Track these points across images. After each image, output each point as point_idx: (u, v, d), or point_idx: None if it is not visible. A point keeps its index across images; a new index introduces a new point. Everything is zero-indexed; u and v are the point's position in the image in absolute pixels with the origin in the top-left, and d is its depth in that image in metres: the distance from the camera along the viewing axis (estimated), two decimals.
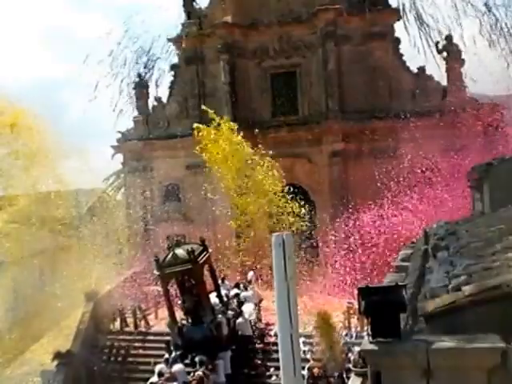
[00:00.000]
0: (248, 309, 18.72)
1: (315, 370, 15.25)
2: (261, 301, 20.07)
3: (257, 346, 18.84)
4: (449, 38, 26.64)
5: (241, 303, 18.91)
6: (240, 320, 18.21)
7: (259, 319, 19.60)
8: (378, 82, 26.36)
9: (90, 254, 22.84)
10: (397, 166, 23.90)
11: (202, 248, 17.95)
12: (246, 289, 20.08)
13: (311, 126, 27.09)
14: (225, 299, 18.86)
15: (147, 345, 20.16)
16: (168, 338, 17.75)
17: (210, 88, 28.81)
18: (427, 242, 9.70)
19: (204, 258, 17.69)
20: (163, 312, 19.81)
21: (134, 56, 31.72)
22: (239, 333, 18.21)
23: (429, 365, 5.15)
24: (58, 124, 24.77)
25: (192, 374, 15.43)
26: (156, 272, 17.47)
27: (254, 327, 18.92)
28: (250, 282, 20.89)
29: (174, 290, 18.58)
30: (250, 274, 21.53)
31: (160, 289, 18.80)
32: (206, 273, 18.49)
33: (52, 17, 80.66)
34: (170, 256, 17.15)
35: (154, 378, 15.76)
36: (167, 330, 18.23)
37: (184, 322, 17.62)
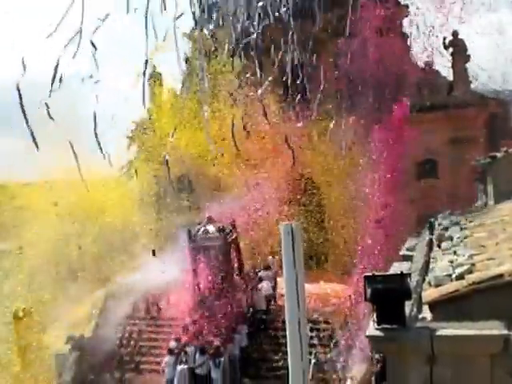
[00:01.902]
0: (265, 286, 19.66)
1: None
2: (275, 282, 20.75)
3: (269, 326, 19.43)
4: (455, 33, 26.61)
5: (259, 281, 19.93)
6: (257, 296, 19.27)
7: (274, 298, 20.21)
8: (386, 77, 26.40)
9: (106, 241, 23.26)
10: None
11: (231, 228, 19.02)
12: (265, 269, 20.95)
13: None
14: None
15: (158, 330, 20.47)
16: (178, 323, 18.39)
17: None
18: (432, 232, 9.83)
19: (232, 238, 18.92)
20: (175, 298, 20.24)
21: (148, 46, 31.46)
22: (256, 308, 19.24)
23: (433, 351, 5.28)
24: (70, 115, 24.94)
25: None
26: (187, 244, 18.33)
27: (268, 303, 19.72)
28: (268, 266, 21.55)
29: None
30: (270, 259, 22.20)
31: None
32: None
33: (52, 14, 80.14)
34: (201, 230, 18.03)
35: (172, 344, 17.11)
36: (178, 315, 18.88)
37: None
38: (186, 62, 29.94)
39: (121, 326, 20.68)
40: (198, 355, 16.57)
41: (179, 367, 16.46)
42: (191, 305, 18.75)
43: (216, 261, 18.32)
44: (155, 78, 30.33)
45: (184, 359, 16.61)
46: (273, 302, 19.95)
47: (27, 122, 9.97)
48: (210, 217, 19.60)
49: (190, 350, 16.78)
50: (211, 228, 18.45)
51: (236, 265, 19.83)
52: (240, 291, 18.84)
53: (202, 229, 18.50)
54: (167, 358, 16.89)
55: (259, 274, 20.43)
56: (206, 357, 16.34)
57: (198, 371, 16.44)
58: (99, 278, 21.90)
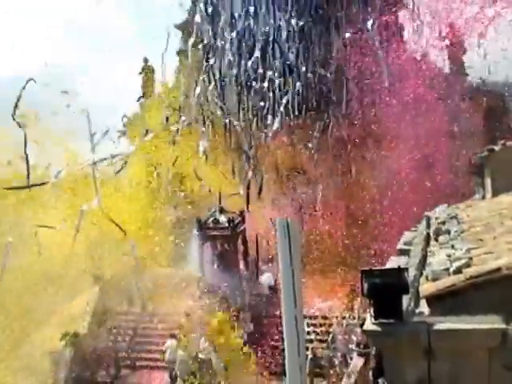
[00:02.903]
0: (266, 277, 20.37)
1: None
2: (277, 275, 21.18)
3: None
4: (451, 25, 26.52)
5: (261, 273, 20.72)
6: (259, 284, 20.09)
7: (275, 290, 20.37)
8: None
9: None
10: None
11: (240, 219, 19.58)
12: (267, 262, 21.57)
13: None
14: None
15: (154, 325, 20.46)
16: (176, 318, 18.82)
17: None
18: (429, 226, 9.79)
19: (241, 229, 19.52)
20: (170, 293, 20.37)
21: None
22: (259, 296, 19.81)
23: (430, 345, 5.25)
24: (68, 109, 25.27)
25: None
26: (196, 232, 19.09)
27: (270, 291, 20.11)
28: (270, 259, 21.86)
29: None
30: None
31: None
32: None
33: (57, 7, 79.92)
34: (211, 219, 18.55)
35: (175, 331, 17.70)
36: (173, 310, 19.42)
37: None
38: (178, 55, 29.88)
39: (116, 322, 20.67)
40: (202, 340, 16.89)
41: (181, 352, 16.68)
42: (198, 293, 19.12)
43: (223, 250, 18.79)
44: (148, 71, 30.24)
45: (187, 344, 16.95)
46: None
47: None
48: (221, 207, 19.88)
49: (194, 335, 17.10)
50: (222, 218, 18.77)
51: (242, 255, 20.24)
52: (244, 280, 19.52)
53: (212, 218, 18.89)
54: (169, 342, 17.12)
55: (262, 267, 21.03)
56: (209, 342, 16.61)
57: (201, 355, 16.62)
58: (94, 275, 21.90)
